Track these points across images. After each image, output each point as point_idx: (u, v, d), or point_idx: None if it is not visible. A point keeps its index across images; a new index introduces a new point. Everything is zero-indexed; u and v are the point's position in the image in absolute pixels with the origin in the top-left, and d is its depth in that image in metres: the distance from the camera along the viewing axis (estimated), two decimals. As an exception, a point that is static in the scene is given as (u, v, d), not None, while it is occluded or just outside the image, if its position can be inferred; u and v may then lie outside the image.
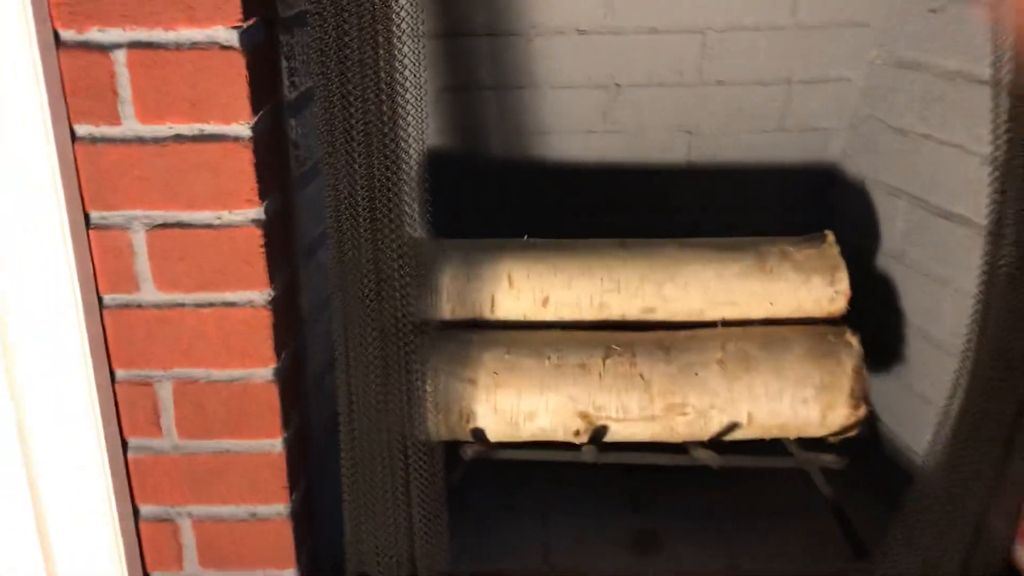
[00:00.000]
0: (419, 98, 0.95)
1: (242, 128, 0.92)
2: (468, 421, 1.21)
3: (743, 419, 1.21)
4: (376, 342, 1.00)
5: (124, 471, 1.05)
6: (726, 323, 1.28)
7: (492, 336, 1.25)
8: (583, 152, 1.45)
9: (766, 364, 1.21)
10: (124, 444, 1.05)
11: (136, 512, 1.07)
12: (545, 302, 1.26)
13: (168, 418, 1.04)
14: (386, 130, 0.93)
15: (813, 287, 1.25)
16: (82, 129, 0.92)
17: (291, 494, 1.08)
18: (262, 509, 1.08)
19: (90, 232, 0.96)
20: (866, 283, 1.32)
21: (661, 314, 1.27)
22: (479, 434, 1.22)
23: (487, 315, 1.27)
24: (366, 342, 1.01)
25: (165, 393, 1.02)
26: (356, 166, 0.93)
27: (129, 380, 1.02)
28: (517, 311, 1.27)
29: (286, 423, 1.05)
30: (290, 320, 1.06)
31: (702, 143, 1.45)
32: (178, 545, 1.09)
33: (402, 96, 0.94)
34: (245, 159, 0.93)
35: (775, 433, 1.24)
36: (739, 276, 1.26)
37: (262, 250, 0.96)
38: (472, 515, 1.34)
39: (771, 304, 1.26)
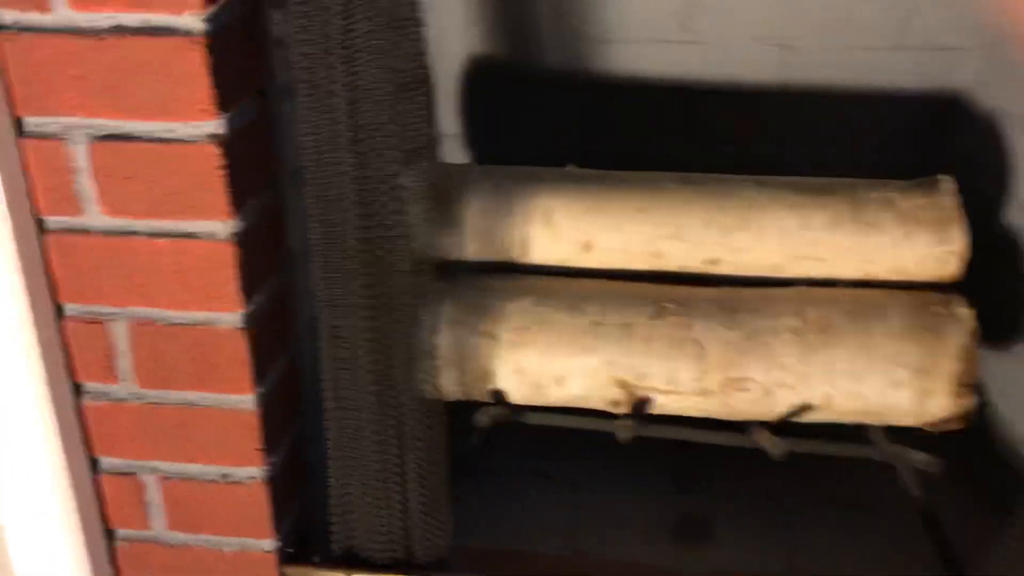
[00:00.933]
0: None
1: (193, 20, 0.74)
2: (485, 381, 1.03)
3: (818, 400, 1.00)
4: (361, 283, 0.83)
5: (76, 417, 0.91)
6: (807, 282, 1.06)
7: (521, 283, 1.06)
8: (652, 65, 1.22)
9: (852, 336, 0.99)
10: (77, 388, 0.91)
11: (95, 463, 0.94)
12: (588, 247, 1.06)
13: (125, 363, 0.89)
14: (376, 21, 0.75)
15: (918, 244, 1.02)
16: (7, 16, 0.76)
17: (268, 456, 0.93)
18: (235, 471, 0.93)
19: (24, 141, 0.80)
20: (991, 243, 1.08)
21: (727, 268, 1.06)
22: (498, 396, 1.04)
23: (518, 258, 1.08)
24: (349, 283, 0.83)
25: (120, 333, 0.88)
26: (334, 60, 0.75)
27: (78, 316, 0.87)
28: (554, 256, 1.07)
29: (260, 376, 0.89)
30: (267, 256, 0.89)
31: (797, 60, 1.21)
32: (142, 503, 0.96)
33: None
34: (195, 59, 0.75)
35: (857, 419, 1.02)
36: (828, 226, 1.04)
37: (221, 172, 0.79)
38: (492, 481, 1.18)
39: (866, 263, 1.04)
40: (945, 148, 1.23)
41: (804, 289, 1.04)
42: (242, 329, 0.86)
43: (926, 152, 1.21)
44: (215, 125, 0.78)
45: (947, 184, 1.03)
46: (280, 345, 0.94)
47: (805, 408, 1.01)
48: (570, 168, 1.11)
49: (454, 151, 1.32)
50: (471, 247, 1.07)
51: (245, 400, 0.89)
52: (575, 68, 1.23)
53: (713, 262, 1.06)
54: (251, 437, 0.91)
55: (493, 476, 1.19)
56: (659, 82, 1.23)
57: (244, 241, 0.83)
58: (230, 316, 0.85)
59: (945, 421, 1.00)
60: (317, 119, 0.78)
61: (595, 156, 1.14)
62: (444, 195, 1.06)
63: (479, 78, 1.27)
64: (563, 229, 1.06)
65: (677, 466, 1.19)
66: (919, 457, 0.99)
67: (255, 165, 0.85)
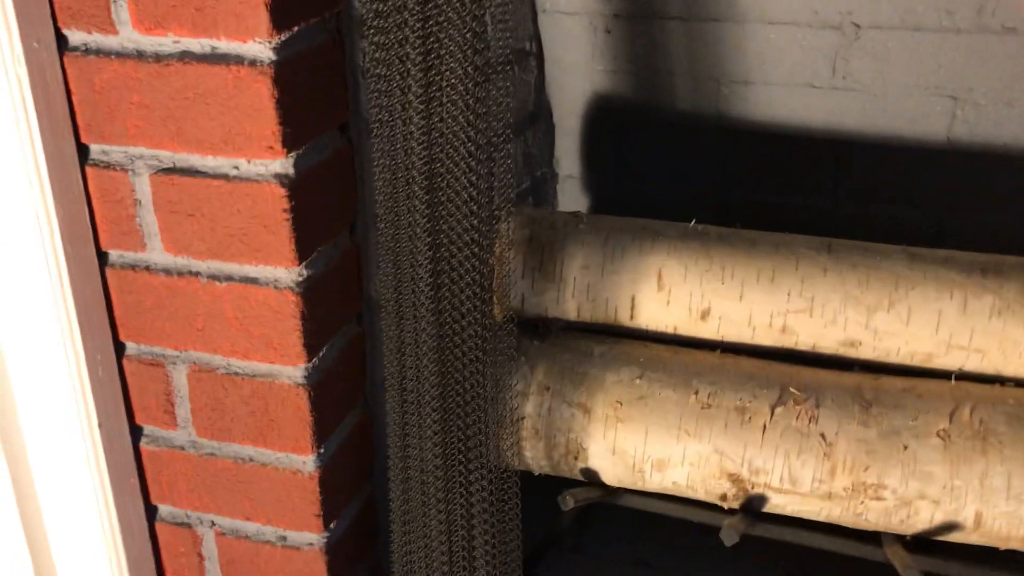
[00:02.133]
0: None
1: (260, 48, 0.67)
2: (576, 458, 0.92)
3: (966, 520, 0.84)
4: (430, 338, 0.74)
5: (135, 462, 0.86)
6: (964, 377, 0.90)
7: (626, 351, 0.95)
8: (797, 112, 1.08)
9: (1014, 446, 0.83)
10: (137, 431, 0.85)
11: (152, 511, 0.89)
12: (705, 315, 0.94)
13: (184, 409, 0.83)
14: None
15: None
16: (74, 36, 0.71)
17: (328, 522, 0.84)
18: (292, 535, 0.85)
19: (88, 170, 0.75)
20: None
21: (867, 352, 0.91)
22: (590, 476, 0.93)
23: (625, 322, 0.96)
24: (418, 337, 0.74)
25: (180, 378, 0.82)
26: (411, 96, 0.66)
27: (138, 357, 0.82)
28: (665, 322, 0.95)
29: (323, 436, 0.81)
30: (341, 306, 0.81)
31: (973, 114, 1.04)
32: (199, 555, 0.89)
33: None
34: (262, 92, 0.68)
35: (1013, 545, 0.85)
36: (994, 312, 0.87)
37: (287, 215, 0.72)
38: (587, 564, 1.07)
39: None
40: None
41: (959, 385, 0.89)
42: (303, 386, 0.78)
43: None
44: (282, 164, 0.70)
45: None
46: (351, 402, 0.86)
47: (949, 527, 0.85)
48: (694, 224, 0.98)
49: (572, 195, 1.22)
50: (573, 305, 0.96)
51: (304, 461, 0.81)
52: (708, 111, 1.11)
53: (851, 344, 0.91)
54: (309, 501, 0.83)
55: (588, 559, 1.08)
56: (804, 131, 1.09)
57: (311, 290, 0.76)
58: (292, 370, 0.78)
59: None
60: (389, 160, 0.69)
61: (726, 209, 1.02)
62: (547, 246, 0.96)
63: (602, 118, 1.17)
64: (678, 292, 0.94)
65: (793, 571, 1.04)
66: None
67: (330, 207, 0.77)
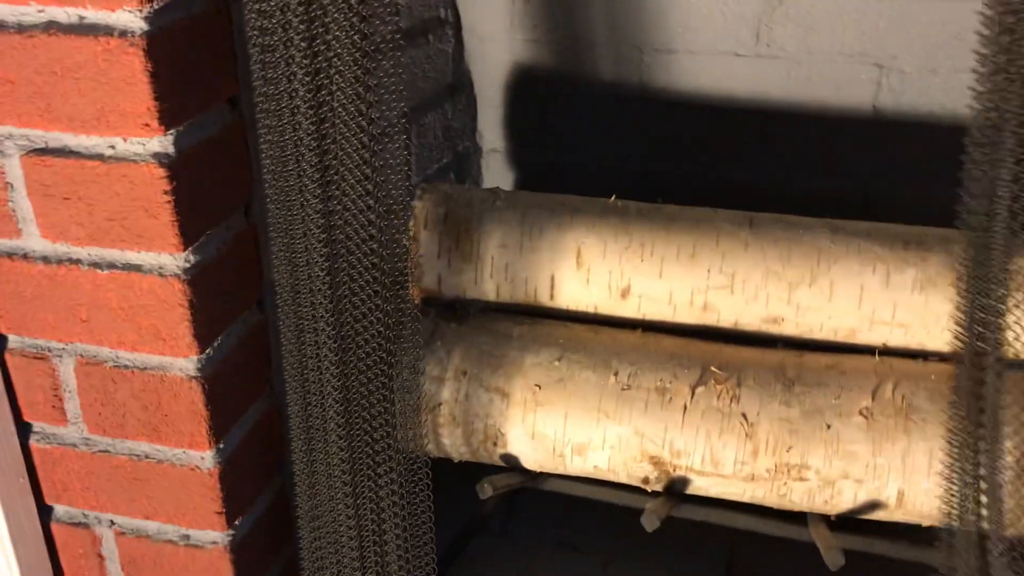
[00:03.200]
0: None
1: (130, 18, 0.62)
2: (495, 444, 0.89)
3: (889, 499, 0.83)
4: (328, 323, 0.70)
5: (24, 460, 0.81)
6: (888, 353, 0.88)
7: (545, 332, 0.91)
8: (722, 82, 1.05)
9: (936, 423, 0.81)
10: (25, 428, 0.80)
11: (47, 512, 0.84)
12: (625, 293, 0.91)
13: (74, 404, 0.78)
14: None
15: (1030, 316, 0.83)
16: (-72, 6, 0.65)
17: (232, 521, 0.80)
18: (195, 534, 0.81)
19: (-48, 151, 0.69)
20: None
21: (791, 328, 0.89)
22: (512, 462, 0.90)
23: (545, 301, 0.93)
24: (316, 322, 0.70)
25: (67, 372, 0.77)
26: (296, 68, 0.62)
27: (22, 350, 0.77)
28: (586, 301, 0.92)
29: (221, 431, 0.77)
30: (237, 293, 0.77)
31: (898, 82, 1.02)
32: (99, 556, 0.85)
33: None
34: (134, 65, 0.63)
35: (936, 522, 0.84)
36: (916, 286, 0.86)
37: (168, 198, 0.67)
38: (513, 551, 1.04)
39: (962, 332, 0.85)
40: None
41: (883, 361, 0.87)
42: (197, 378, 0.73)
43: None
44: (160, 143, 0.65)
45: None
46: (254, 393, 0.82)
47: (873, 506, 0.83)
48: (614, 199, 0.95)
49: (497, 169, 1.18)
50: (491, 285, 0.93)
51: (203, 457, 0.77)
52: (631, 80, 1.08)
53: (773, 321, 0.89)
54: (210, 498, 0.79)
55: (514, 544, 1.05)
56: (729, 101, 1.06)
57: (201, 277, 0.71)
58: (183, 362, 0.73)
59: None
60: (277, 136, 0.65)
61: (652, 181, 0.99)
62: (463, 224, 0.92)
63: (524, 88, 1.12)
64: (597, 270, 0.91)
65: (723, 549, 1.02)
66: (1015, 580, 0.80)
67: (220, 187, 0.73)
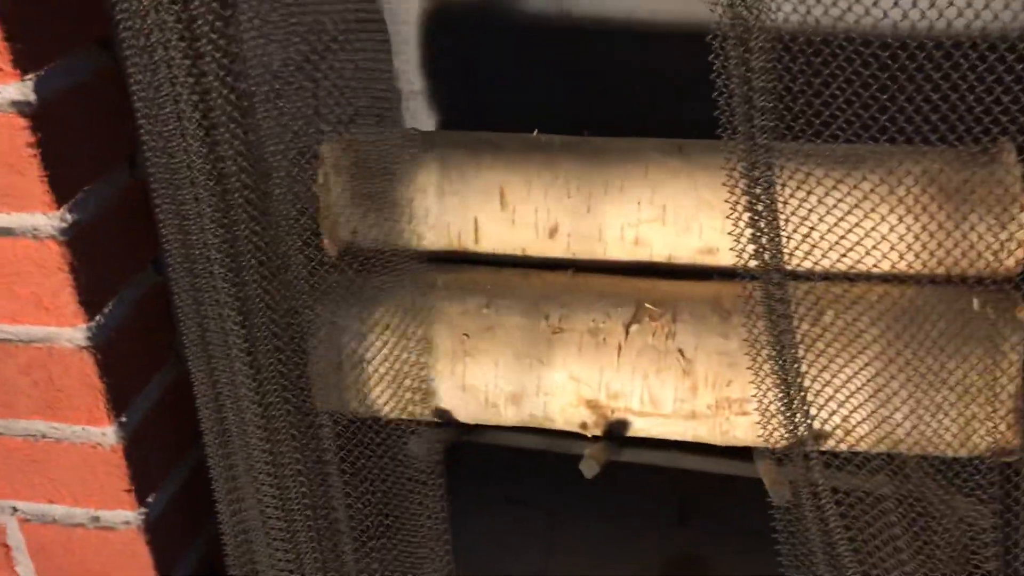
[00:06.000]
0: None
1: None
2: (425, 399, 0.84)
3: (835, 428, 0.79)
4: (227, 281, 0.64)
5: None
6: (826, 277, 0.84)
7: (472, 278, 0.86)
8: (644, 4, 1.00)
9: (879, 348, 0.78)
10: (-93, 413, 0.74)
11: (-58, 502, 0.78)
12: (553, 232, 0.86)
13: (-42, 383, 0.72)
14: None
15: (970, 229, 0.80)
16: None
17: (143, 498, 0.75)
18: (105, 515, 0.76)
19: None
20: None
21: (726, 259, 0.85)
22: (444, 416, 0.86)
23: (470, 246, 0.88)
24: (218, 288, 0.65)
25: (-54, 349, 0.70)
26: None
27: None
28: (513, 243, 0.87)
29: (120, 404, 0.71)
30: (125, 254, 0.71)
31: None
32: (4, 546, 0.79)
33: None
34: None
35: (883, 447, 0.81)
36: (857, 206, 0.82)
37: (33, 151, 0.61)
38: (459, 507, 1.00)
39: (905, 253, 0.82)
40: None
41: (820, 286, 0.83)
42: (88, 348, 0.68)
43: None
44: (19, 89, 0.59)
45: (1008, 153, 0.80)
46: (158, 361, 0.76)
47: (819, 436, 0.80)
48: (536, 134, 0.90)
49: (418, 111, 1.12)
50: (410, 234, 0.87)
51: (103, 433, 0.71)
52: (551, 10, 1.02)
53: (708, 252, 0.85)
54: (116, 476, 0.73)
55: (458, 501, 1.01)
56: (655, 27, 1.01)
57: (82, 237, 0.65)
58: (71, 332, 0.67)
59: (1003, 453, 0.79)
60: (149, 77, 0.59)
61: (568, 118, 0.94)
62: (378, 170, 0.86)
63: (441, 24, 1.07)
64: (523, 210, 0.86)
65: (673, 493, 0.99)
66: (965, 504, 0.78)
67: (97, 138, 0.66)
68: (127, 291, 0.71)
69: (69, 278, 0.65)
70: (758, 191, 0.64)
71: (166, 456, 0.78)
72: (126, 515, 0.75)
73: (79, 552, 0.78)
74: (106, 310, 0.69)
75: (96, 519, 0.76)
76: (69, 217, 0.64)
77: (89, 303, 0.67)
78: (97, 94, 0.66)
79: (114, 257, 0.69)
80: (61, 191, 0.63)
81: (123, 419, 0.72)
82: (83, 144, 0.65)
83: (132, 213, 0.71)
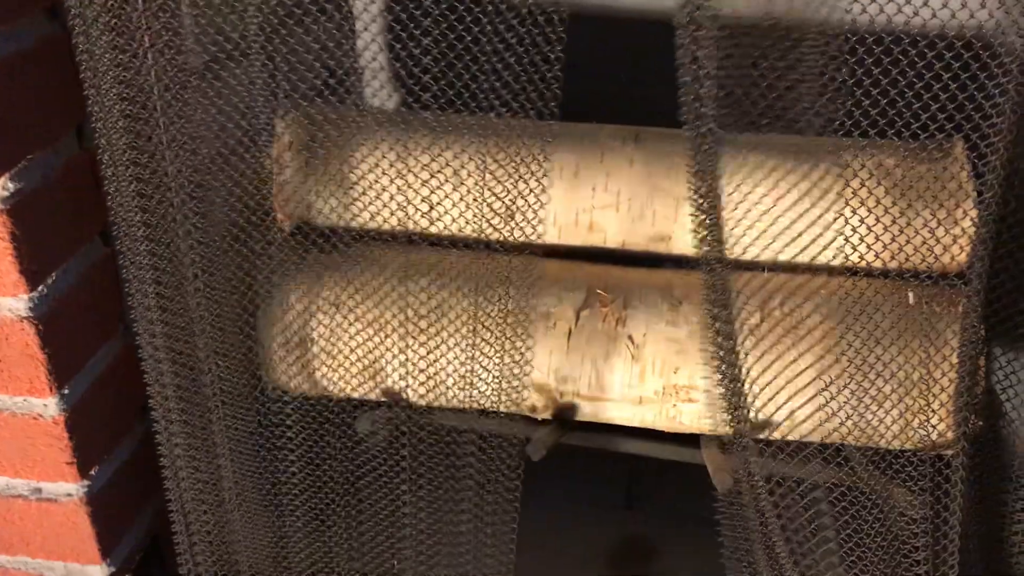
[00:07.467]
0: None
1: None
2: (373, 378, 0.84)
3: (780, 417, 0.81)
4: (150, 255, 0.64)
5: None
6: (774, 268, 0.85)
7: (423, 259, 0.86)
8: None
9: (825, 339, 0.79)
10: None
11: None
12: (507, 215, 0.86)
13: (-102, 352, 0.71)
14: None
15: (918, 224, 0.80)
16: None
17: (87, 470, 0.75)
18: (47, 487, 0.75)
19: None
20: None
21: (679, 246, 0.86)
22: (394, 397, 0.86)
23: (423, 227, 0.87)
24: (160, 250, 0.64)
25: None
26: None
27: None
28: (468, 224, 0.87)
29: (64, 376, 0.71)
30: (70, 224, 0.70)
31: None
32: (-55, 517, 0.79)
33: None
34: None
35: (827, 439, 0.83)
36: (806, 200, 0.83)
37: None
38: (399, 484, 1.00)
39: (847, 247, 0.82)
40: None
41: (771, 277, 0.84)
42: (29, 319, 0.67)
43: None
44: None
45: (959, 149, 0.81)
46: (105, 331, 0.76)
47: (763, 425, 0.81)
48: (491, 117, 0.90)
49: (380, 88, 1.11)
50: (365, 212, 0.87)
51: (45, 404, 0.71)
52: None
53: (661, 239, 0.85)
54: (58, 448, 0.73)
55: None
56: (616, 8, 1.01)
57: (24, 206, 0.64)
58: (13, 302, 0.67)
59: (945, 445, 0.80)
60: (92, 45, 0.58)
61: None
62: (332, 148, 0.86)
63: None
64: (476, 191, 0.85)
65: (624, 475, 1.00)
66: (899, 493, 0.79)
67: (40, 104, 0.65)
68: (73, 262, 0.70)
69: (10, 247, 0.64)
70: (706, 179, 0.64)
71: (111, 429, 0.78)
72: (68, 487, 0.75)
73: (19, 523, 0.77)
74: (50, 281, 0.68)
75: (38, 490, 0.76)
76: (11, 186, 0.63)
77: (32, 273, 0.66)
78: (42, 62, 0.65)
79: (59, 227, 0.68)
80: (2, 158, 0.62)
81: (65, 391, 0.71)
82: (26, 112, 0.64)
83: (78, 184, 0.70)
